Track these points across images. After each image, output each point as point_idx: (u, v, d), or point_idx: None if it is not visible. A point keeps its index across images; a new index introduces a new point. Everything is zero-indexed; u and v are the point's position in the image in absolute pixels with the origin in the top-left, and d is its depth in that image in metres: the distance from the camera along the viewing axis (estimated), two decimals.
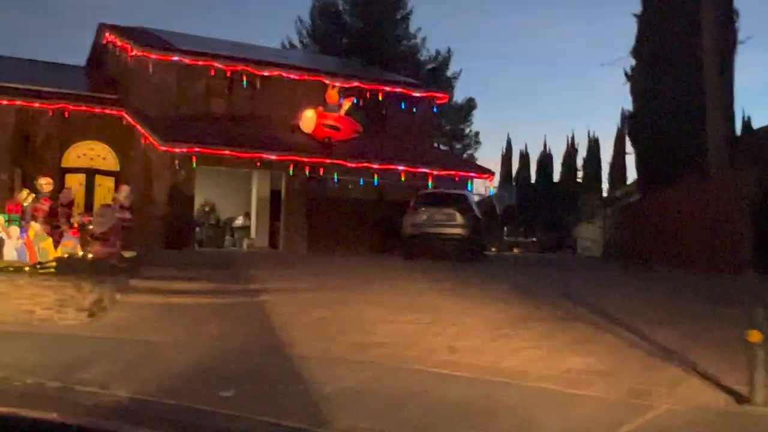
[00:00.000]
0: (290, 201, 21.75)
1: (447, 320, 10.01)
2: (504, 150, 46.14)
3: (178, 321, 10.50)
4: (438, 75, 39.12)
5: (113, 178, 24.09)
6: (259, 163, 21.04)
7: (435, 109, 25.19)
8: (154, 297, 11.75)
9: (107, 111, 23.01)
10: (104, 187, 23.96)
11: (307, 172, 21.58)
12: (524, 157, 45.13)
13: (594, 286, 13.55)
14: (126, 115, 22.87)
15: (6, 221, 14.88)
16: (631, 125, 26.16)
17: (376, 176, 22.20)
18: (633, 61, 24.41)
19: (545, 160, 44.04)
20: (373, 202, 22.73)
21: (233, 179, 24.32)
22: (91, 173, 23.63)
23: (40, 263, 12.43)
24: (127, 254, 14.55)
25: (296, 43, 40.35)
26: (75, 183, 23.17)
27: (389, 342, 8.99)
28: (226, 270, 14.76)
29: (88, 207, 21.82)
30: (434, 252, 18.13)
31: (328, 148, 22.74)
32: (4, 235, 13.67)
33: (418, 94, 24.77)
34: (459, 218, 18.13)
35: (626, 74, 24.70)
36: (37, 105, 21.81)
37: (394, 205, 22.45)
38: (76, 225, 16.81)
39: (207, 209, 23.98)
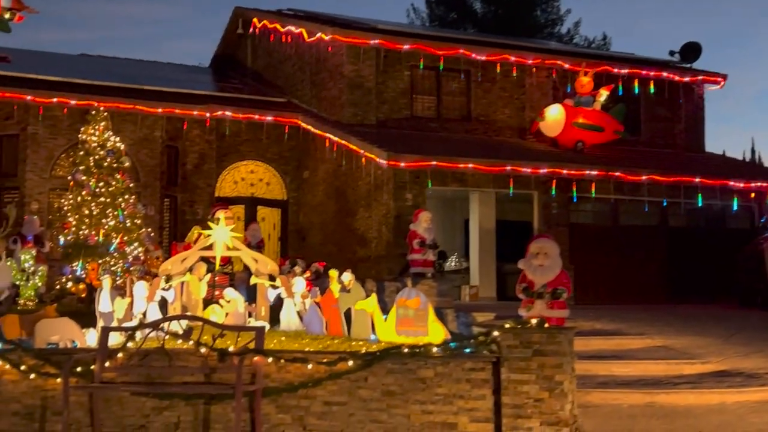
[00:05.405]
0: (548, 233, 15.29)
1: None
2: (745, 158, 29.16)
3: None
4: None
5: (279, 210, 18.04)
6: (512, 180, 14.68)
7: (705, 99, 18.56)
8: (623, 393, 7.97)
9: (277, 119, 16.90)
10: (269, 221, 17.89)
11: (574, 191, 15.15)
12: None
13: None
14: (304, 124, 16.74)
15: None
16: None
17: (665, 197, 15.71)
18: None
19: None
20: (653, 230, 16.22)
21: (436, 206, 17.98)
22: (251, 204, 17.58)
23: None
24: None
25: None
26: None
27: None
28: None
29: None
30: None
31: (580, 155, 16.35)
32: (283, 292, 9.20)
33: (686, 79, 18.18)
34: None
35: None
36: (195, 113, 15.76)
37: (681, 232, 16.18)
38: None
39: None
